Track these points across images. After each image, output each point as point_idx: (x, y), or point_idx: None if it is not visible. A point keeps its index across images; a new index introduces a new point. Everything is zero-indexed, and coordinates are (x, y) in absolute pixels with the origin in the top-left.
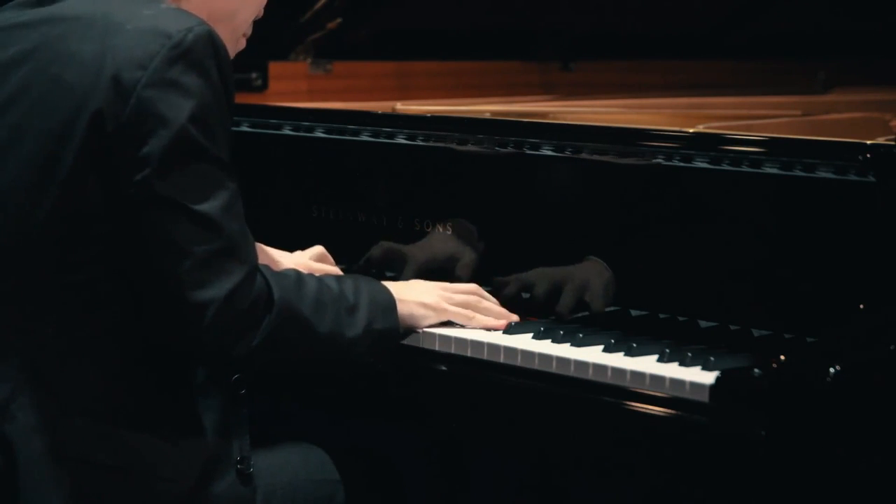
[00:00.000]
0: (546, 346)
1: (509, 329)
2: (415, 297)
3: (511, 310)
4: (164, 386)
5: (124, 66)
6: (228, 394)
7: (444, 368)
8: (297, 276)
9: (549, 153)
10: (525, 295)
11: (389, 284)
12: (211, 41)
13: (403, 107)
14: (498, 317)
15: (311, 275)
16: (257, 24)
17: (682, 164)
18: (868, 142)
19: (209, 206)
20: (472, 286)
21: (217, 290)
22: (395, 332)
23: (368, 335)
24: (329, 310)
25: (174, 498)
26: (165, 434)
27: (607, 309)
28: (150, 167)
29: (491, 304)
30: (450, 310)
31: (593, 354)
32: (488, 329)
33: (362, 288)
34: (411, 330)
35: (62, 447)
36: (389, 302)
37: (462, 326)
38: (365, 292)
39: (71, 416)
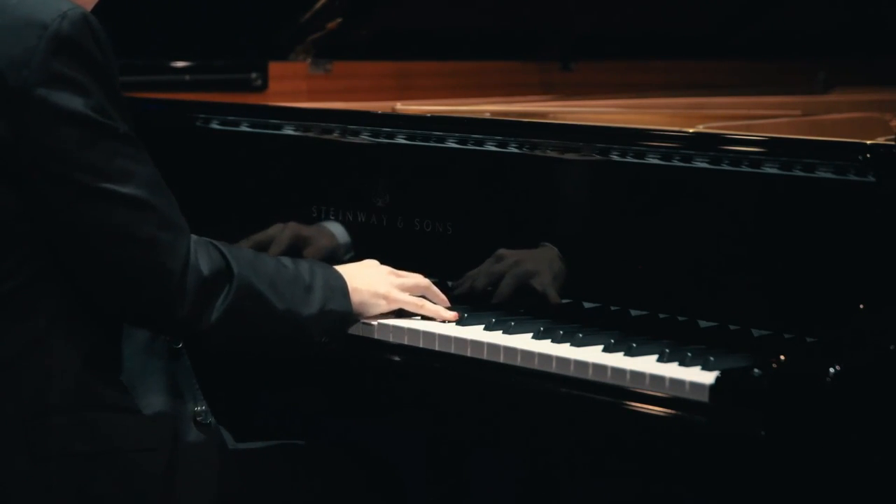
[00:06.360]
0: (546, 346)
1: (508, 328)
2: (367, 285)
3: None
4: (118, 362)
5: (6, 68)
6: (168, 352)
7: (443, 368)
8: (253, 254)
9: (549, 153)
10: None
11: (341, 269)
12: (86, 22)
13: (403, 107)
14: (444, 304)
15: (265, 254)
16: (258, 23)
17: (682, 164)
18: (868, 142)
19: (136, 186)
20: (418, 275)
21: (172, 264)
22: (348, 315)
23: (323, 315)
24: (286, 288)
25: (157, 467)
26: (132, 407)
27: (612, 308)
28: (68, 164)
29: (437, 291)
30: (400, 298)
31: (593, 354)
32: (441, 320)
33: (317, 270)
34: (364, 317)
35: (40, 446)
36: (343, 285)
37: (411, 315)
38: (319, 275)
39: (40, 414)
